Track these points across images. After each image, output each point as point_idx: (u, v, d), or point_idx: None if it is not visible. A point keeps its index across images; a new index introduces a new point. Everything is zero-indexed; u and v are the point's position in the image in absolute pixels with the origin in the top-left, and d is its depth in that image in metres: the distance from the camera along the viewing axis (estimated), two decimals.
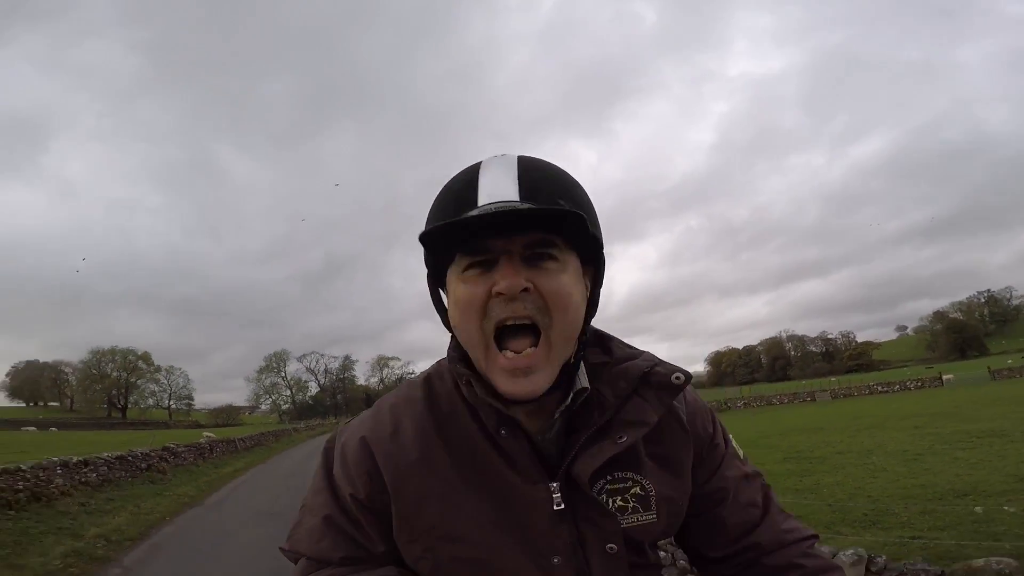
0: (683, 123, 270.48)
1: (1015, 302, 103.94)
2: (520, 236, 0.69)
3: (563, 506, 0.74)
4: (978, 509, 5.14)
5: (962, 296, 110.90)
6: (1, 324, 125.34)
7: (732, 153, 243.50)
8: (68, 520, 8.01)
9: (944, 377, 41.90)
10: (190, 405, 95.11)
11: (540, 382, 0.70)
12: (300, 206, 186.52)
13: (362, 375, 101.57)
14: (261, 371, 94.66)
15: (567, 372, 0.75)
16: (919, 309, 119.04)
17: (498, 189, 0.68)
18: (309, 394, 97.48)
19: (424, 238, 0.69)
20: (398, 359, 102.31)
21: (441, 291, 0.79)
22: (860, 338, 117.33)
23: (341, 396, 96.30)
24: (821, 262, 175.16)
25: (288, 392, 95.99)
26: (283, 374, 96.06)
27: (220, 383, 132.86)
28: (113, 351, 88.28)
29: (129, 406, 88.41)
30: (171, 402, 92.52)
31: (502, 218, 0.65)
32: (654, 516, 0.78)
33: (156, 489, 11.60)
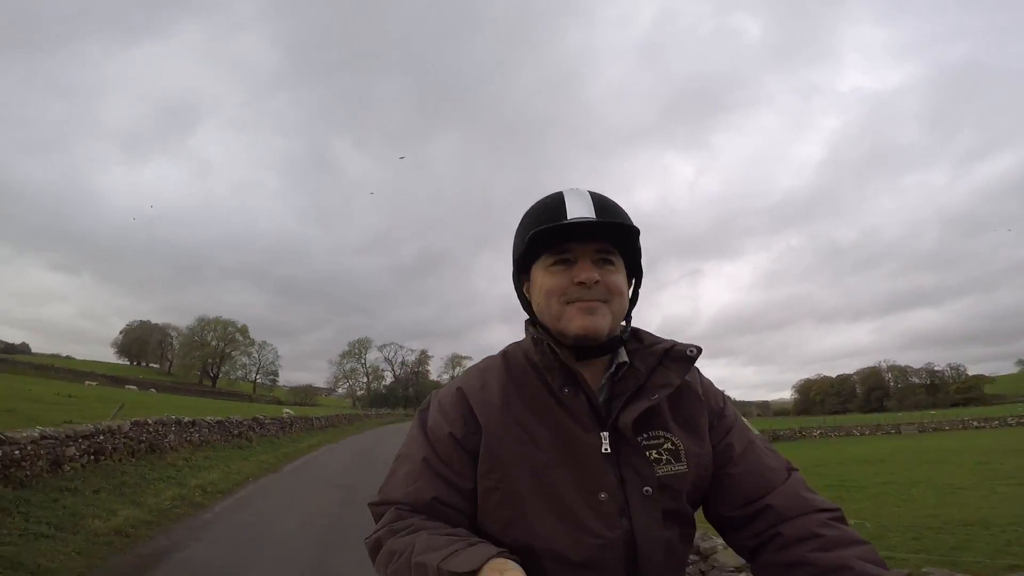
0: (788, 138, 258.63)
1: None
2: (593, 243, 0.98)
3: (609, 451, 0.94)
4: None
5: None
6: (129, 284, 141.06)
7: (842, 171, 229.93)
8: (175, 471, 9.70)
9: None
10: (274, 381, 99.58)
11: (602, 322, 0.96)
12: (405, 204, 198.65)
13: (435, 371, 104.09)
14: (343, 356, 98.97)
15: (614, 346, 1.01)
16: None
17: (579, 210, 0.98)
18: (384, 383, 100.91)
19: (533, 237, 0.97)
20: (470, 358, 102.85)
21: (523, 285, 1.07)
22: (973, 371, 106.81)
23: (413, 389, 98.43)
24: (936, 290, 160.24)
25: (365, 379, 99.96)
26: (363, 361, 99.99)
27: (304, 363, 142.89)
28: (216, 321, 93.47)
29: (220, 375, 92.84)
30: (257, 376, 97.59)
31: (584, 227, 0.96)
32: (684, 467, 0.97)
33: (243, 454, 13.44)
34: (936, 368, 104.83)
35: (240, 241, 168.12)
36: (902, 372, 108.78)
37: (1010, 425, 37.14)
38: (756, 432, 1.09)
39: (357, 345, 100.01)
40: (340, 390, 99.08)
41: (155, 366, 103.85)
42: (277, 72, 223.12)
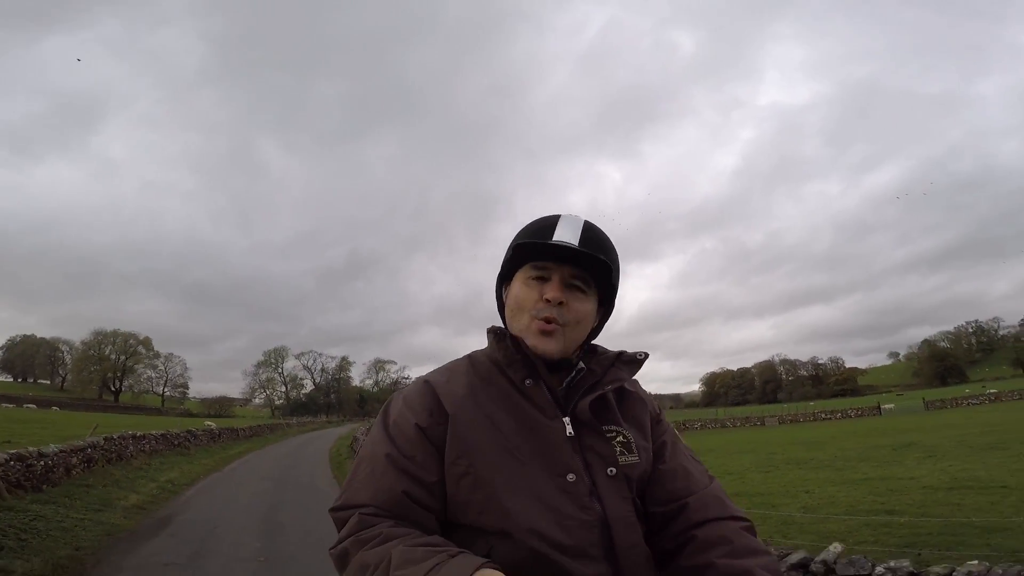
0: (709, 148, 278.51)
1: (1002, 332, 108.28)
2: (569, 267, 1.09)
3: (573, 434, 1.04)
4: None
5: (958, 323, 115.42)
6: (9, 296, 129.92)
7: (753, 179, 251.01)
8: (143, 472, 13.17)
9: (885, 407, 46.57)
10: (184, 393, 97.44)
11: (555, 345, 1.07)
12: (335, 205, 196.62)
13: (357, 377, 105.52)
14: (259, 365, 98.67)
15: (567, 365, 1.12)
16: (920, 336, 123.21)
17: (567, 235, 1.08)
18: (304, 391, 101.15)
19: (517, 248, 1.10)
20: (394, 363, 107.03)
21: (503, 288, 1.18)
22: (860, 364, 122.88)
23: (335, 395, 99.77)
24: (829, 288, 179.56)
25: (283, 388, 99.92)
26: (280, 370, 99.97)
27: (217, 373, 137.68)
28: (115, 333, 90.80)
29: (124, 389, 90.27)
30: (165, 389, 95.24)
31: (562, 251, 1.07)
32: (637, 458, 1.07)
33: (188, 459, 16.84)
34: (820, 361, 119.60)
35: (145, 246, 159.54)
36: (792, 365, 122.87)
37: (850, 417, 44.95)
38: (683, 441, 1.22)
39: (273, 354, 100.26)
40: (257, 400, 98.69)
41: (45, 382, 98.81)
42: (201, 68, 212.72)
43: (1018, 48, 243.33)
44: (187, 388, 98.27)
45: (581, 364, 1.13)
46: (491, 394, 1.08)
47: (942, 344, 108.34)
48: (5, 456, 8.65)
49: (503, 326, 1.16)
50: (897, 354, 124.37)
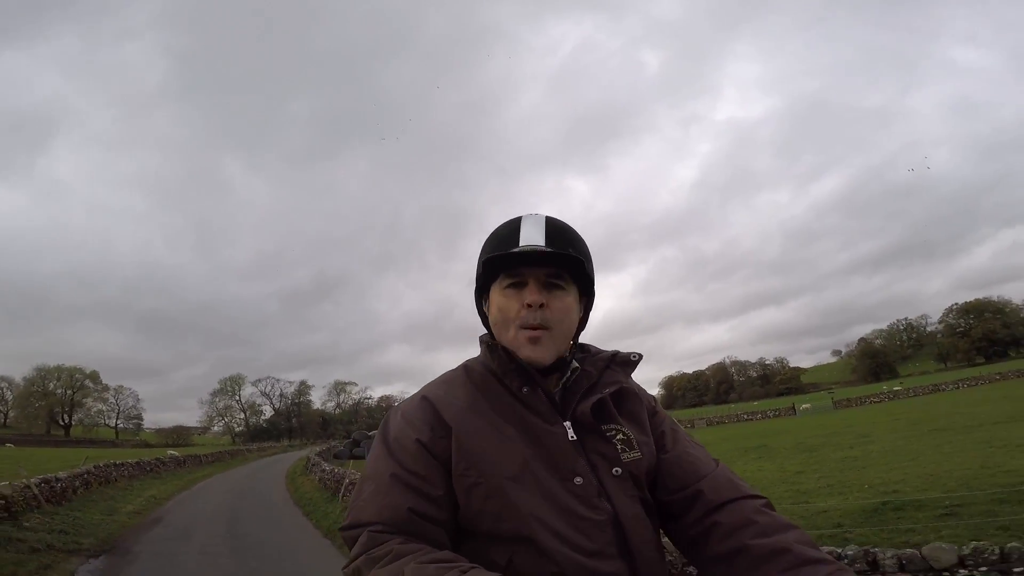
0: (669, 162, 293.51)
1: (929, 328, 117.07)
2: (542, 268, 1.11)
3: (575, 438, 1.07)
4: None
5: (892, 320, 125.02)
6: None
7: (710, 190, 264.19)
8: (129, 491, 16.90)
9: (802, 407, 52.05)
10: (139, 424, 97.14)
11: (544, 354, 1.10)
12: (301, 225, 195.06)
13: (318, 400, 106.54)
14: (215, 394, 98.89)
15: (563, 363, 1.14)
16: (863, 333, 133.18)
17: (532, 237, 1.11)
18: (263, 417, 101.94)
19: (487, 263, 1.12)
20: (355, 384, 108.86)
21: (483, 302, 1.21)
22: (810, 362, 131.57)
23: (296, 420, 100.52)
24: (780, 291, 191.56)
25: (242, 415, 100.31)
26: (237, 397, 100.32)
27: (173, 402, 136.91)
28: (59, 368, 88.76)
29: (73, 423, 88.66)
30: (118, 421, 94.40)
31: (532, 256, 1.09)
32: (639, 454, 1.09)
33: (160, 481, 20.56)
34: (767, 362, 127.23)
35: (94, 274, 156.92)
36: (742, 366, 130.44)
37: (769, 417, 50.01)
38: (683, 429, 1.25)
39: (229, 382, 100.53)
40: (216, 428, 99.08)
41: None
42: (163, 85, 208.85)
43: (948, 62, 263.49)
44: (141, 419, 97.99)
45: (575, 364, 1.16)
46: (491, 403, 1.10)
47: (877, 342, 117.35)
48: (38, 479, 12.38)
49: (491, 336, 1.18)
50: (840, 352, 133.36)
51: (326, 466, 19.50)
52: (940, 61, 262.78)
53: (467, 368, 1.19)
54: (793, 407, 52.28)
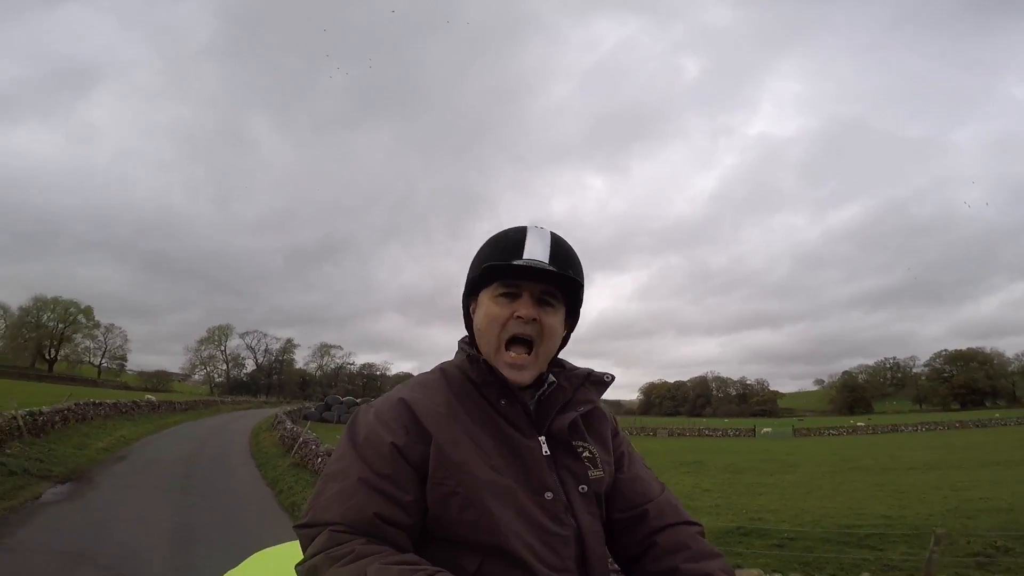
0: (692, 171, 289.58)
1: (915, 370, 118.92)
2: (539, 284, 1.14)
3: (549, 453, 1.11)
4: None
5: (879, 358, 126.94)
6: None
7: (728, 204, 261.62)
8: (103, 429, 18.74)
9: (763, 430, 53.93)
10: (122, 366, 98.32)
11: (527, 375, 1.13)
12: (317, 188, 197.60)
13: (302, 359, 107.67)
14: (201, 342, 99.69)
15: (541, 378, 1.18)
16: (853, 366, 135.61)
17: (536, 251, 1.14)
18: (245, 371, 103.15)
19: (488, 270, 1.13)
20: (340, 348, 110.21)
21: (470, 303, 1.23)
22: (792, 387, 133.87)
23: (277, 376, 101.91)
24: (778, 314, 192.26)
25: (224, 366, 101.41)
26: (223, 348, 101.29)
27: (161, 345, 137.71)
28: (55, 300, 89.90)
29: (59, 359, 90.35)
30: (103, 360, 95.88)
31: (537, 271, 1.12)
32: (602, 473, 1.15)
33: (134, 423, 22.45)
34: (748, 382, 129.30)
35: (109, 211, 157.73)
36: (723, 383, 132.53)
37: (730, 436, 51.61)
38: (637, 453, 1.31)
39: (217, 331, 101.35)
40: (197, 376, 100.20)
41: None
42: (210, 43, 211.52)
43: (1008, 99, 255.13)
44: (126, 360, 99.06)
45: (552, 378, 1.20)
46: (468, 411, 1.12)
47: (861, 376, 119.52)
48: (24, 412, 14.09)
49: (471, 344, 1.21)
50: (823, 381, 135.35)
51: (289, 425, 21.28)
52: (1000, 97, 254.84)
53: (445, 372, 1.20)
54: (754, 429, 54.08)
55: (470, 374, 1.16)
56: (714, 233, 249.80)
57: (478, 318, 1.18)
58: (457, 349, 1.23)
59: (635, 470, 1.25)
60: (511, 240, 1.16)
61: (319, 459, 12.76)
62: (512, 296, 1.14)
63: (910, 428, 53.29)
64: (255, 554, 1.50)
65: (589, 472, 1.13)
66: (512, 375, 1.12)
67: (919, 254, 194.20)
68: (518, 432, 1.11)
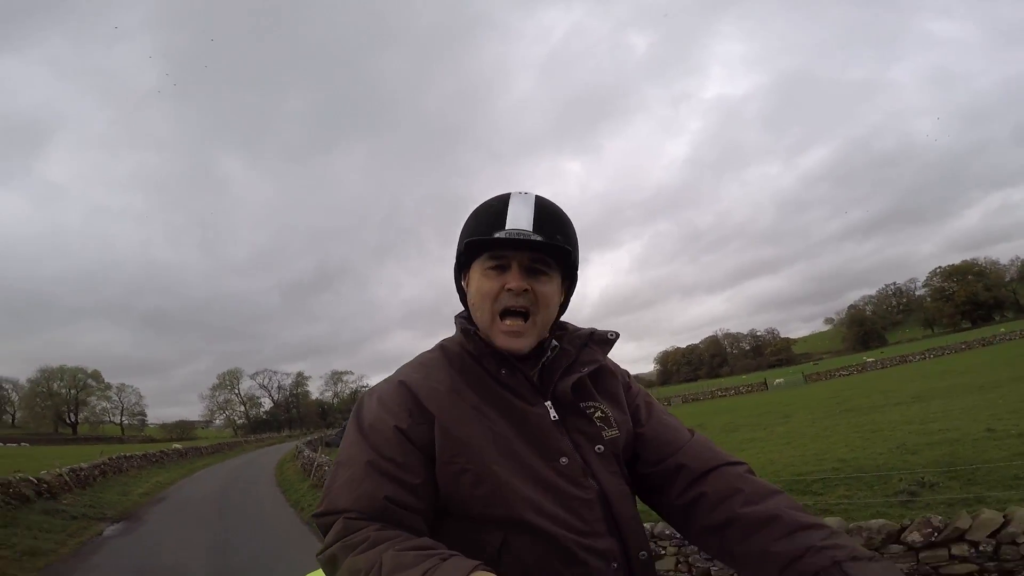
0: (661, 140, 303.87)
1: (918, 292, 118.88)
2: (527, 253, 1.10)
3: (557, 418, 1.09)
4: None
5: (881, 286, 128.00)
6: None
7: (702, 166, 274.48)
8: (139, 477, 20.48)
9: (776, 381, 53.96)
10: (143, 420, 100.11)
11: (525, 343, 1.11)
12: (301, 218, 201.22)
13: (316, 390, 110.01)
14: (214, 388, 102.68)
15: (543, 345, 1.16)
16: (858, 298, 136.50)
17: (519, 220, 1.09)
18: (263, 409, 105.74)
19: (468, 245, 1.11)
20: (351, 373, 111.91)
21: (463, 277, 1.20)
22: (805, 330, 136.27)
23: (296, 410, 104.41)
24: (774, 260, 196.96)
25: (242, 408, 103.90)
26: (236, 391, 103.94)
27: (178, 397, 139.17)
28: (62, 369, 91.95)
29: (80, 421, 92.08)
30: (123, 418, 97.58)
31: (518, 242, 1.08)
32: (616, 431, 1.12)
33: (165, 470, 24.23)
34: (758, 333, 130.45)
35: (95, 275, 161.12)
36: (735, 339, 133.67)
37: (742, 393, 51.67)
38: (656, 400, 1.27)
39: (227, 376, 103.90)
40: (218, 421, 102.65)
41: None
42: (158, 85, 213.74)
43: (926, 35, 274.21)
44: (145, 415, 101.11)
45: (554, 342, 1.18)
46: (471, 385, 1.10)
47: (867, 308, 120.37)
48: (68, 468, 15.82)
49: (468, 319, 1.19)
50: (832, 320, 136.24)
51: (307, 452, 22.86)
52: (918, 34, 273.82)
53: (444, 349, 1.18)
54: (765, 382, 54.56)
55: (468, 348, 1.15)
56: (695, 195, 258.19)
57: (470, 293, 1.16)
58: (455, 325, 1.21)
59: (656, 419, 1.21)
60: (493, 210, 1.13)
61: None
62: (501, 268, 1.11)
63: (918, 357, 52.60)
64: None
65: (603, 432, 1.11)
66: (508, 343, 1.10)
67: (892, 183, 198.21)
68: (522, 401, 1.09)
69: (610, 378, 1.21)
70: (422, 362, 1.17)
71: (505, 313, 1.10)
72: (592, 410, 1.12)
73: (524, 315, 1.11)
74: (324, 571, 0.98)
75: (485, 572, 0.82)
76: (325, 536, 0.99)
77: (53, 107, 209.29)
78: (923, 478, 7.86)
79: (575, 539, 1.00)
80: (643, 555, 1.06)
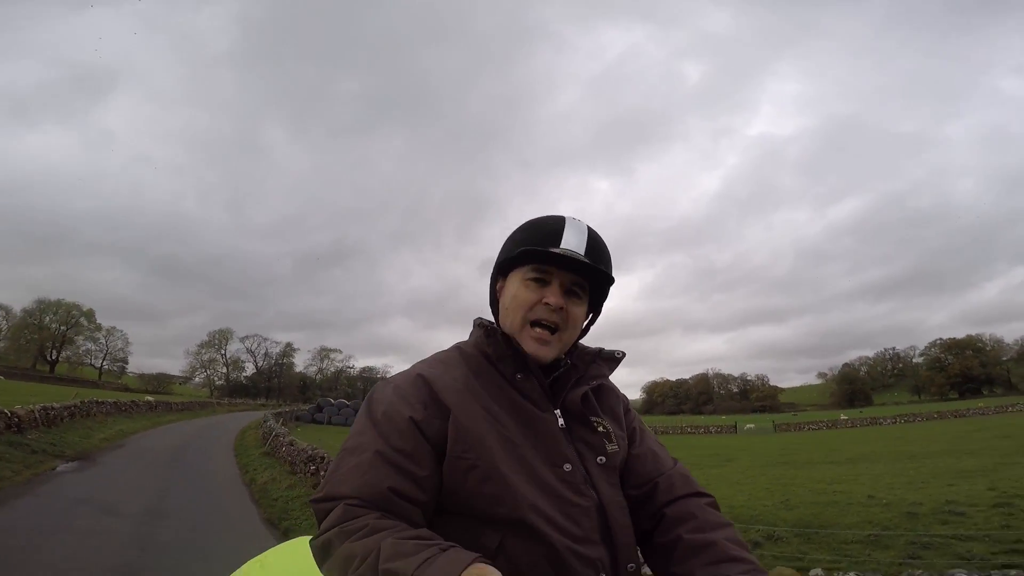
0: (696, 171, 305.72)
1: (916, 359, 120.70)
2: (571, 275, 1.19)
3: (564, 426, 1.17)
4: None
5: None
6: None
7: (731, 202, 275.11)
8: (106, 423, 21.82)
9: (747, 426, 55.69)
10: (123, 368, 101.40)
11: (550, 352, 1.18)
12: (330, 193, 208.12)
13: (301, 363, 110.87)
14: (202, 346, 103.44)
15: (556, 360, 1.22)
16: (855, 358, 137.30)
17: (572, 242, 1.18)
18: (245, 374, 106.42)
19: (524, 253, 1.18)
20: (340, 352, 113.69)
21: (498, 281, 1.27)
22: (798, 381, 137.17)
23: (277, 380, 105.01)
24: (783, 309, 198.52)
25: (224, 370, 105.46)
26: (223, 351, 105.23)
27: (165, 348, 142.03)
28: (58, 303, 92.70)
29: (60, 360, 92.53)
30: (104, 362, 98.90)
31: (572, 261, 1.16)
32: (616, 447, 1.19)
33: (132, 420, 25.62)
34: (748, 378, 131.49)
35: (118, 215, 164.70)
36: (724, 379, 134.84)
37: (711, 433, 53.39)
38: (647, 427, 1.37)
39: (218, 335, 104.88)
40: (197, 379, 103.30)
41: None
42: (229, 50, 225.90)
43: (994, 92, 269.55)
44: (126, 363, 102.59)
45: (567, 359, 1.25)
46: (485, 387, 1.16)
47: (861, 369, 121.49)
48: (40, 406, 17.18)
49: (492, 320, 1.25)
50: (825, 374, 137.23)
51: (271, 423, 24.22)
52: (986, 90, 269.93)
53: (461, 350, 1.25)
54: (735, 426, 56.21)
55: (486, 349, 1.21)
56: (718, 231, 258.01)
57: (505, 297, 1.23)
58: (472, 329, 1.27)
59: (647, 445, 1.30)
60: (549, 227, 1.20)
61: (283, 448, 15.75)
62: (542, 282, 1.18)
63: (890, 421, 54.32)
64: (277, 546, 1.60)
65: (606, 445, 1.18)
66: (536, 349, 1.17)
67: (919, 244, 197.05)
68: (534, 405, 1.15)
69: (613, 397, 1.32)
70: (439, 359, 1.24)
71: (535, 324, 1.19)
72: (597, 424, 1.21)
73: (552, 330, 1.19)
74: (316, 558, 1.00)
75: (484, 564, 0.86)
76: (321, 522, 1.03)
77: (131, 58, 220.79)
78: (774, 532, 8.76)
79: (570, 545, 1.04)
80: (631, 567, 1.12)
